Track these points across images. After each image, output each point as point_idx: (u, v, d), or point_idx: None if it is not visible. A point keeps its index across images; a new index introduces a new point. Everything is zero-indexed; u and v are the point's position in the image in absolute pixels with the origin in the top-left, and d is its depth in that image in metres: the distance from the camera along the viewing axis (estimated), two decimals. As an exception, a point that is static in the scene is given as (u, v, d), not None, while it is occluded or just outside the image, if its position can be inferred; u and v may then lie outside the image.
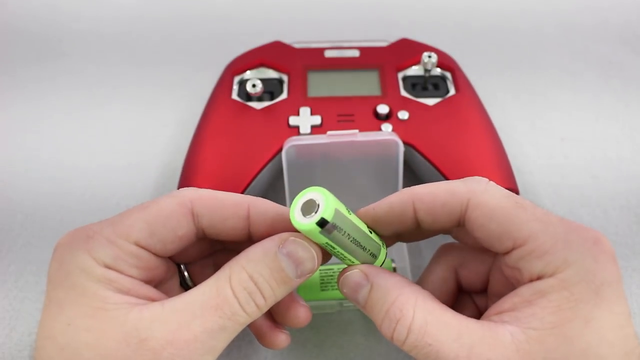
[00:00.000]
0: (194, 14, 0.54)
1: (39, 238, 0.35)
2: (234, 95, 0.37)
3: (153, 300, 0.21)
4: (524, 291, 0.20)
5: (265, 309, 0.21)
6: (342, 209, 0.21)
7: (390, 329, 0.21)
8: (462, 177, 0.24)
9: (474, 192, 0.22)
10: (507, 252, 0.21)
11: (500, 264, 0.23)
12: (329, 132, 0.30)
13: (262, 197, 0.24)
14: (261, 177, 0.33)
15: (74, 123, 0.43)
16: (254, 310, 0.21)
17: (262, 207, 0.23)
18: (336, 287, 0.29)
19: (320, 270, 0.29)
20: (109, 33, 0.52)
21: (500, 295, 0.21)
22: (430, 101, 0.36)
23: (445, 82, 0.39)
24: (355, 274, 0.22)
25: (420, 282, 0.26)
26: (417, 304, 0.21)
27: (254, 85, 0.35)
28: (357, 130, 0.30)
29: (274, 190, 0.36)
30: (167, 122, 0.43)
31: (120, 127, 0.43)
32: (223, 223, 0.23)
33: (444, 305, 0.21)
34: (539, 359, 0.19)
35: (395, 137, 0.30)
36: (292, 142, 0.30)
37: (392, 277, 0.22)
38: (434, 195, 0.22)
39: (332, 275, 0.29)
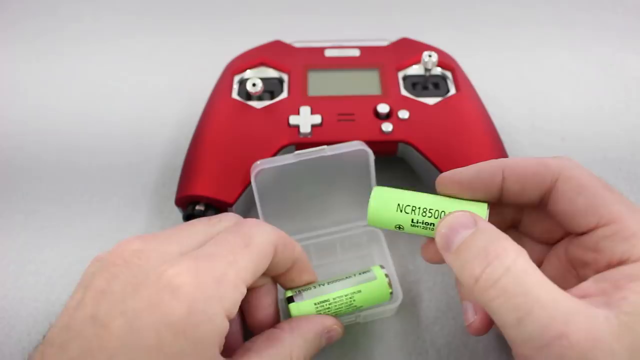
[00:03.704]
0: (193, 13, 0.54)
1: (38, 238, 0.35)
2: (234, 95, 0.37)
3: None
4: (611, 275, 0.20)
5: None
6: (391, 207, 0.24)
7: (484, 264, 0.19)
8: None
9: (565, 166, 0.22)
10: (587, 232, 0.21)
11: (567, 247, 0.23)
12: (296, 152, 0.30)
13: None
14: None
15: (74, 122, 0.43)
16: None
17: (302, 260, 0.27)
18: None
19: (315, 304, 0.27)
20: (109, 32, 0.52)
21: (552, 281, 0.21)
22: (431, 100, 0.36)
23: (445, 81, 0.39)
24: (465, 215, 0.22)
25: None
26: (521, 253, 0.20)
27: (254, 85, 0.35)
28: (325, 147, 0.30)
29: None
30: (167, 121, 0.43)
31: (120, 126, 0.43)
32: (282, 265, 0.25)
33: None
34: (626, 343, 0.18)
35: (365, 147, 0.30)
36: (259, 166, 0.29)
37: (498, 230, 0.21)
38: (526, 165, 0.23)
39: (328, 308, 0.27)
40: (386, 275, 0.28)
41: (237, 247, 0.22)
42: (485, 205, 0.23)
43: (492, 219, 0.25)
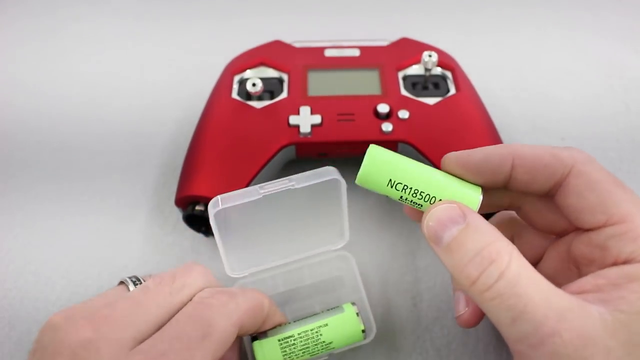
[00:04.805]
0: (193, 13, 0.54)
1: (38, 238, 0.35)
2: (234, 94, 0.37)
3: None
4: (610, 274, 0.20)
5: None
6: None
7: (480, 269, 0.19)
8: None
9: (578, 160, 0.22)
10: (595, 229, 0.21)
11: (571, 243, 0.23)
12: (261, 187, 0.26)
13: None
14: (261, 176, 0.33)
15: (75, 122, 0.43)
16: None
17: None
18: (300, 355, 0.26)
19: (279, 341, 0.26)
20: (108, 32, 0.52)
21: (551, 277, 0.21)
22: (431, 100, 0.36)
23: (445, 81, 0.39)
24: (452, 208, 0.21)
25: None
26: (513, 254, 0.20)
27: (254, 84, 0.35)
28: (293, 178, 0.27)
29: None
30: (167, 121, 0.43)
31: (120, 126, 0.43)
32: (249, 331, 0.25)
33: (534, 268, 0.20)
34: (622, 341, 0.18)
35: (337, 176, 0.27)
36: (219, 205, 0.26)
37: (488, 223, 0.21)
38: (537, 155, 0.22)
39: (293, 344, 0.26)
40: (357, 314, 0.27)
41: (194, 340, 0.21)
42: (479, 190, 0.22)
43: (488, 200, 0.24)
